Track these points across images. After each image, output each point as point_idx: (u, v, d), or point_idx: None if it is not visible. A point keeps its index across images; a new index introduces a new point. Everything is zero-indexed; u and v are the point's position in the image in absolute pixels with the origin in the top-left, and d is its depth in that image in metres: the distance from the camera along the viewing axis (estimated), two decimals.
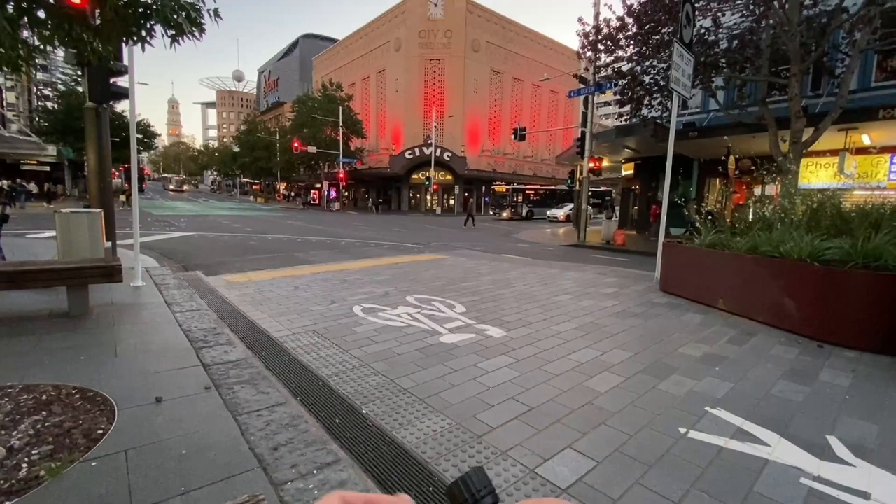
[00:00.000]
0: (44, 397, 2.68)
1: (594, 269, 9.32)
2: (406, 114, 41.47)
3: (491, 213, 37.55)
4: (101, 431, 2.34)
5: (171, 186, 72.86)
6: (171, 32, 3.55)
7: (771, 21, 10.41)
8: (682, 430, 2.70)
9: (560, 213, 30.99)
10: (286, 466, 2.12)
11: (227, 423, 2.51)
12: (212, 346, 3.72)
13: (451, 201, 42.29)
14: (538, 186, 39.18)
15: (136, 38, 3.63)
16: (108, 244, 6.35)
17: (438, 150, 37.52)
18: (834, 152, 12.68)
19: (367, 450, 2.40)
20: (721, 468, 2.34)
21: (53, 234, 5.96)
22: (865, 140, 12.38)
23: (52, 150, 29.09)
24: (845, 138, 12.28)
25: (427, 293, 6.31)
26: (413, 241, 14.82)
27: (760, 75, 11.04)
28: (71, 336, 3.83)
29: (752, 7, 10.86)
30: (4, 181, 22.03)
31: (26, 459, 2.07)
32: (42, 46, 3.56)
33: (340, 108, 38.49)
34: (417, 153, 39.28)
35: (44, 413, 2.50)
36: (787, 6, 9.82)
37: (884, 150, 12.78)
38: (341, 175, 39.44)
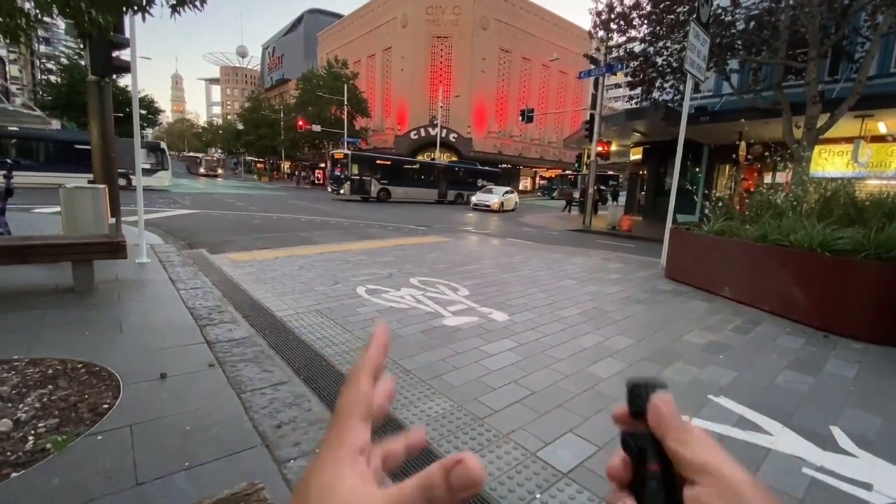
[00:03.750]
0: (50, 371, 2.71)
1: (599, 255, 9.26)
2: (412, 93, 40.88)
3: (329, 189, 26.93)
4: (106, 406, 2.36)
5: (202, 169, 54.01)
6: (171, 1, 3.45)
7: (791, 1, 10.05)
8: (685, 418, 2.69)
9: (494, 200, 23.31)
10: (289, 444, 2.14)
11: (230, 401, 2.52)
12: (216, 324, 3.73)
13: None
14: (398, 157, 30.61)
15: (136, 8, 3.53)
16: (113, 220, 6.35)
17: (444, 131, 37.04)
18: (848, 140, 12.40)
19: None
20: None
21: (58, 209, 5.96)
22: (882, 128, 12.08)
23: (56, 124, 28.93)
24: (861, 126, 11.99)
25: (431, 275, 6.29)
26: (417, 223, 14.77)
27: (777, 58, 10.72)
28: (76, 311, 3.85)
29: None
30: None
31: (32, 432, 2.09)
32: (40, 15, 3.47)
33: (345, 86, 37.92)
34: (423, 133, 38.86)
35: (50, 387, 2.52)
36: None
37: None
38: None
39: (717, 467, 0.27)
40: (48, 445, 1.99)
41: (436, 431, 2.42)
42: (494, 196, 23.86)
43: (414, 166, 29.28)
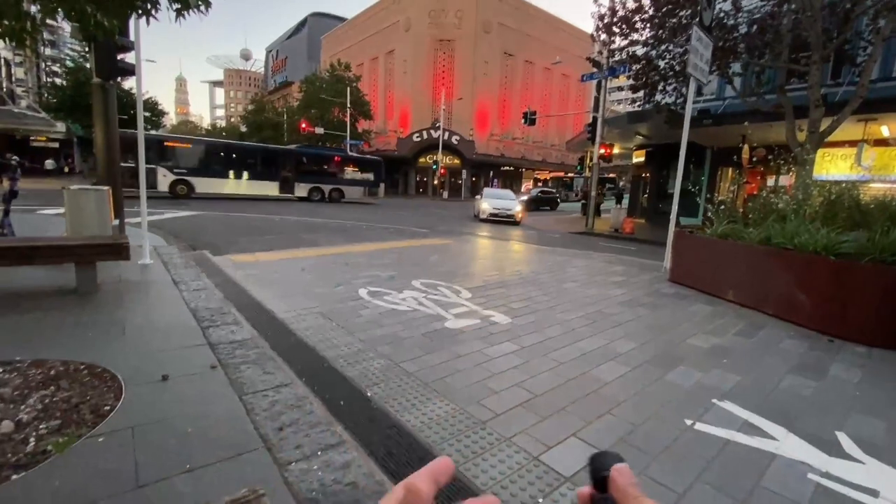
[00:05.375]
0: (52, 372, 2.71)
1: (601, 258, 9.24)
2: (414, 96, 40.96)
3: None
4: (108, 408, 2.36)
5: None
6: (176, 6, 3.46)
7: (793, 5, 10.03)
8: (689, 422, 2.68)
9: (517, 207, 17.85)
10: (291, 447, 2.13)
11: (232, 403, 2.51)
12: (218, 326, 3.73)
13: (459, 185, 42.02)
14: (205, 138, 23.93)
15: (140, 11, 3.55)
16: (116, 222, 6.37)
17: (446, 134, 37.07)
18: (852, 143, 12.36)
19: (371, 432, 2.40)
20: (727, 461, 2.32)
21: (62, 210, 5.98)
22: (884, 132, 12.04)
23: (61, 126, 29.13)
24: (864, 129, 11.95)
25: (433, 278, 6.29)
26: (419, 226, 14.78)
27: (780, 62, 10.71)
28: (79, 313, 3.85)
29: None
30: (15, 157, 21.98)
31: (34, 433, 2.09)
32: (46, 19, 3.49)
33: (348, 88, 38.02)
34: (425, 136, 38.88)
35: (52, 388, 2.52)
36: None
37: None
38: None
39: None
40: (49, 447, 1.99)
41: (437, 435, 2.41)
42: (514, 202, 18.10)
43: (235, 150, 22.23)
